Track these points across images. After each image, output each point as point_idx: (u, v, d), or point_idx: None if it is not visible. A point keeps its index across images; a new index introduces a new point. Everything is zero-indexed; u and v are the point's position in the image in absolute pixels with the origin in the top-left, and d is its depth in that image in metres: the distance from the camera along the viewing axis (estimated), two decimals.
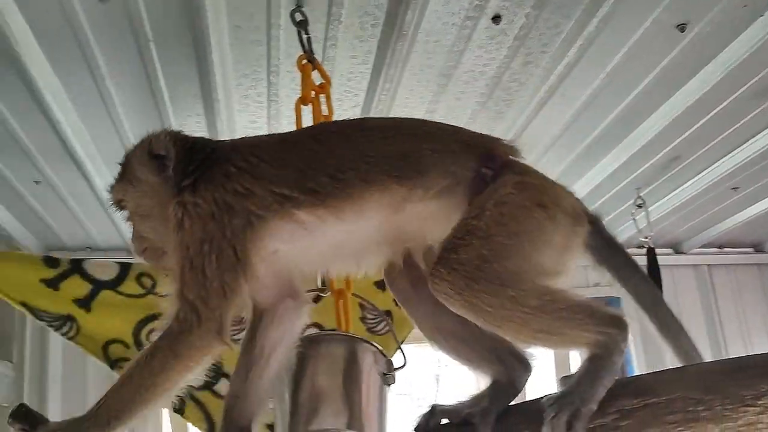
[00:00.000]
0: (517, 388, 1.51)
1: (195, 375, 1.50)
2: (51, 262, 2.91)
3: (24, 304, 2.85)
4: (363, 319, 3.18)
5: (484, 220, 1.36)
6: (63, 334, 2.89)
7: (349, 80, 2.59)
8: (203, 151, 1.56)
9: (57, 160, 3.11)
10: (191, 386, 2.97)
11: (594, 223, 1.51)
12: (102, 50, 2.36)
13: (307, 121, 2.11)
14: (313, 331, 2.99)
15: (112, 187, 1.67)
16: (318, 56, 2.27)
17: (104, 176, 3.33)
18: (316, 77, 2.19)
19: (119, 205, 1.67)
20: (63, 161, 3.11)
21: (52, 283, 2.88)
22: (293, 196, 1.44)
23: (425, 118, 2.90)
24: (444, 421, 1.52)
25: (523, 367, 1.54)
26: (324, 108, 2.12)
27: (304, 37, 2.15)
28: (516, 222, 1.37)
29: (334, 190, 1.43)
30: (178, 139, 1.59)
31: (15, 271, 2.85)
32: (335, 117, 2.22)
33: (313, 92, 2.13)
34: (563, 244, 1.43)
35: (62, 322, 2.88)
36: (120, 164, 1.67)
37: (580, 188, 3.82)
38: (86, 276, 2.93)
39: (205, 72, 2.47)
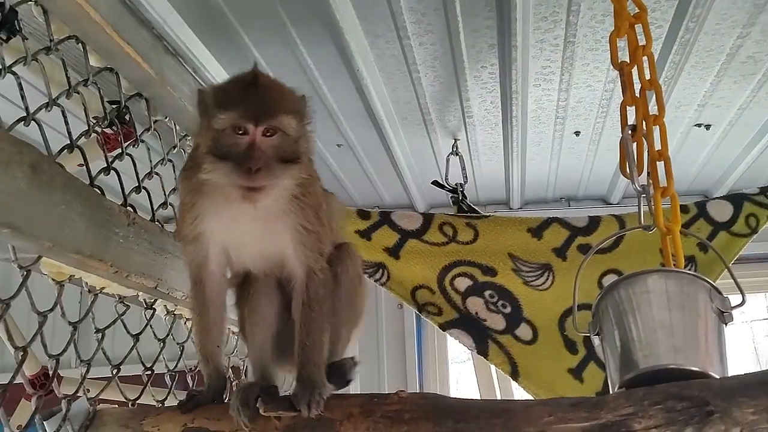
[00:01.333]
0: None
1: None
2: (363, 214, 3.18)
3: None
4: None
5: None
6: (376, 281, 3.16)
7: (654, 11, 2.46)
8: None
9: (359, 123, 3.37)
10: (494, 330, 3.13)
11: None
12: (409, 8, 2.48)
13: (623, 54, 2.07)
14: (613, 277, 2.99)
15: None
16: None
17: (399, 136, 3.55)
18: None
19: (272, 130, 1.64)
20: (364, 124, 3.36)
21: (365, 234, 3.15)
22: None
23: (736, 44, 2.71)
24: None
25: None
26: (641, 38, 2.04)
27: None
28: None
29: None
30: None
31: None
32: None
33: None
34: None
35: (375, 270, 3.15)
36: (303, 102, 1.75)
37: None
38: (394, 226, 3.17)
39: (505, 18, 2.49)
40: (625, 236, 3.03)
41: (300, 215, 1.75)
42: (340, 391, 1.81)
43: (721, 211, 3.13)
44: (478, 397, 4.31)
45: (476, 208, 3.60)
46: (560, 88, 3.07)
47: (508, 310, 3.14)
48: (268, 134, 1.62)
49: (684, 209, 3.03)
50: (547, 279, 3.15)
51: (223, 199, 1.70)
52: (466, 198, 3.58)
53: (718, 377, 1.65)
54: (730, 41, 2.70)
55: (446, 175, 3.67)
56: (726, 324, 1.79)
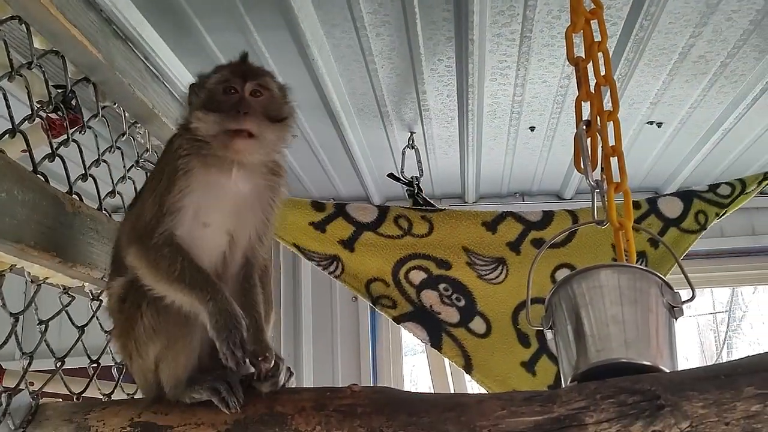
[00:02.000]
0: None
1: None
2: (318, 206, 3.15)
3: (296, 246, 3.13)
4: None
5: None
6: (330, 273, 3.13)
7: (609, 8, 2.47)
8: None
9: (314, 114, 3.32)
10: (448, 323, 3.14)
11: None
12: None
13: (579, 50, 2.07)
14: (565, 271, 3.02)
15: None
16: None
17: (355, 128, 3.52)
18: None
19: (259, 91, 1.79)
20: (319, 115, 3.32)
21: (320, 226, 3.12)
22: None
23: (688, 43, 2.75)
24: None
25: None
26: (596, 35, 2.05)
27: None
28: None
29: None
30: None
31: (287, 215, 3.12)
32: None
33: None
34: None
35: (329, 262, 3.13)
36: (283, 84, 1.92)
37: None
38: (349, 219, 3.14)
39: (463, 11, 2.48)
40: (578, 231, 3.07)
41: (268, 206, 1.87)
42: (293, 385, 1.79)
43: (672, 208, 3.19)
44: (431, 390, 4.34)
45: (431, 202, 3.60)
46: (516, 83, 3.08)
47: (462, 303, 3.15)
48: (256, 95, 1.78)
49: (635, 205, 3.07)
50: (501, 273, 3.16)
51: (209, 168, 1.75)
52: (421, 191, 3.58)
53: (668, 371, 1.67)
54: (682, 40, 2.74)
55: (402, 168, 3.66)
56: (676, 319, 1.82)
